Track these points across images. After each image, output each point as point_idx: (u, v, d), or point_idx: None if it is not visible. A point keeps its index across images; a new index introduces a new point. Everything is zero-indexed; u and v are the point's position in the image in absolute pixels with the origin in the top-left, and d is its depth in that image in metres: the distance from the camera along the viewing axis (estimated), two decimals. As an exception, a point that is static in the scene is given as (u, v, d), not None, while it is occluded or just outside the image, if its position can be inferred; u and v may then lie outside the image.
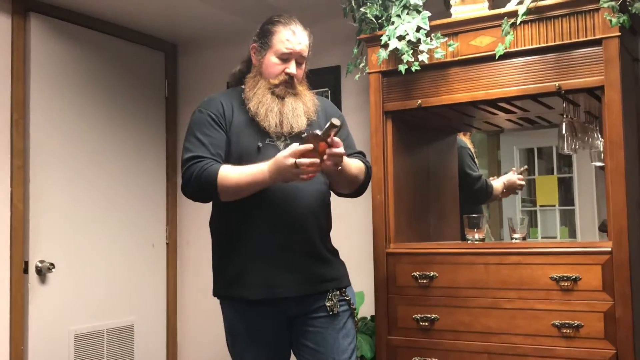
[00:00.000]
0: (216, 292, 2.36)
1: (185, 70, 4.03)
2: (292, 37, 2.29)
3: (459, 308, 2.56)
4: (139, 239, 3.72)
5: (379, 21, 2.73)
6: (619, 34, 2.31)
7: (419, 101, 2.68)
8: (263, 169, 2.12)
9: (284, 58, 2.29)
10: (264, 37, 2.33)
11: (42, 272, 3.19)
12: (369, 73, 2.78)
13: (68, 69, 3.40)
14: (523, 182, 3.27)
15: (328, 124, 2.00)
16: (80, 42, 3.46)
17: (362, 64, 2.83)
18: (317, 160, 2.03)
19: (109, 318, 3.51)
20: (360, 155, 2.42)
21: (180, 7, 3.42)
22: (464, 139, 3.36)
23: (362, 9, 2.74)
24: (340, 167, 2.16)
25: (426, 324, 2.61)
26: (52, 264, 3.20)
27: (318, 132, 2.03)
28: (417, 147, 2.99)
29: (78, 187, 3.40)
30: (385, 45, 2.63)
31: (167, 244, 3.89)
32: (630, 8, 2.29)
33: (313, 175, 2.08)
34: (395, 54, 2.63)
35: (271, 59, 2.30)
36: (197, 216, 3.80)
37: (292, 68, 2.29)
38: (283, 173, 2.07)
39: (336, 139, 2.06)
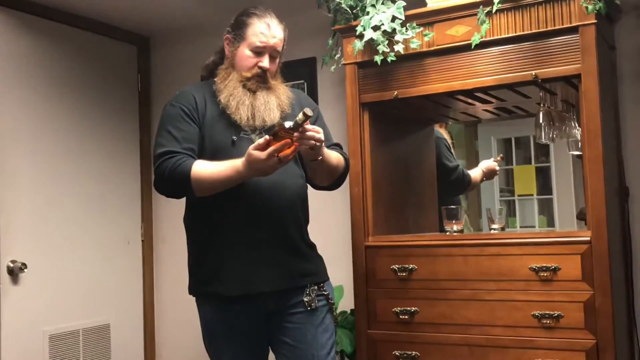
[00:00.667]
0: (192, 290, 2.31)
1: (158, 64, 3.96)
2: (267, 30, 2.24)
3: (438, 300, 2.54)
4: (113, 236, 3.66)
5: (354, 11, 2.69)
6: (595, 21, 2.29)
7: (396, 92, 2.65)
8: (237, 164, 2.07)
9: (258, 51, 2.24)
10: (238, 28, 2.28)
11: (14, 273, 3.12)
12: (345, 64, 2.75)
13: (37, 64, 3.32)
14: (498, 167, 3.27)
15: (300, 114, 1.95)
16: (49, 36, 3.38)
17: (338, 55, 2.79)
18: (288, 140, 1.98)
19: (85, 318, 3.44)
20: (338, 147, 2.39)
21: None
22: (441, 130, 3.34)
23: (336, -1, 2.70)
24: (320, 157, 2.13)
25: (406, 317, 2.59)
26: (24, 264, 3.13)
27: (289, 123, 1.98)
28: (394, 139, 2.96)
29: (50, 185, 3.33)
30: (361, 36, 2.60)
31: (142, 241, 3.83)
32: (606, -5, 2.28)
33: (290, 156, 2.01)
34: (371, 45, 2.59)
35: (244, 52, 2.25)
36: (173, 213, 3.74)
37: (265, 62, 2.25)
38: (257, 167, 2.03)
39: (314, 126, 2.04)
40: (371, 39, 2.56)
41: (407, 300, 2.60)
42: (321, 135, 2.06)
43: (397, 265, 2.61)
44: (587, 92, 2.31)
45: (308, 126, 2.01)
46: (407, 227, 2.99)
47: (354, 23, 2.66)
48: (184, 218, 2.35)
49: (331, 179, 2.33)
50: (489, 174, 3.26)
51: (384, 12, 2.56)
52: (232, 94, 2.23)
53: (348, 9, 2.68)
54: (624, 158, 2.73)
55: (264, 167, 2.01)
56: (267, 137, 1.99)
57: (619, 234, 2.59)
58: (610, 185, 2.43)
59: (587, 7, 2.25)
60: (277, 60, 2.31)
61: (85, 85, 3.56)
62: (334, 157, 2.27)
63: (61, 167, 3.40)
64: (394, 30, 2.54)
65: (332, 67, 2.83)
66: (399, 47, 2.54)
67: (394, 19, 2.55)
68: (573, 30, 2.34)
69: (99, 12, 3.53)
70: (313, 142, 2.05)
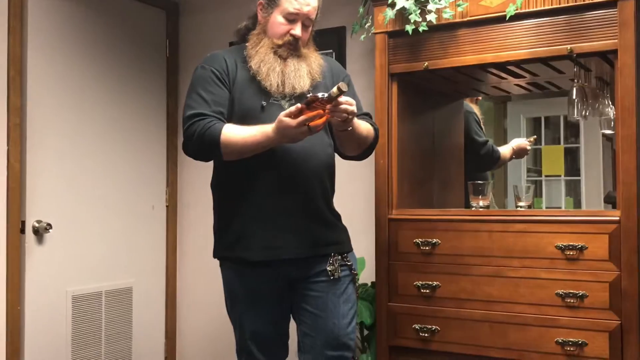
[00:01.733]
0: (216, 254, 2.32)
1: (186, 30, 3.94)
2: None
3: (461, 276, 2.52)
4: (138, 200, 3.67)
5: (386, -20, 2.64)
6: (635, -5, 2.23)
7: (426, 63, 2.60)
8: (267, 130, 2.06)
9: (291, 19, 2.22)
10: None
11: (39, 232, 3.15)
12: (375, 33, 2.70)
13: (66, 26, 3.32)
14: (529, 147, 3.22)
15: (335, 88, 1.93)
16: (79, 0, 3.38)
17: (368, 24, 2.75)
18: (320, 111, 1.97)
19: (107, 280, 3.47)
20: (367, 117, 2.37)
21: (182, -37, 3.33)
22: (471, 105, 3.29)
23: (369, -33, 2.66)
24: (350, 128, 2.11)
25: (427, 291, 2.57)
26: (49, 224, 3.16)
27: (322, 94, 1.96)
28: (422, 112, 2.93)
29: (77, 147, 3.34)
30: (392, 4, 2.55)
31: (166, 206, 3.85)
32: (648, -32, 2.21)
33: (320, 127, 2.01)
34: (403, 14, 2.55)
35: (277, 18, 2.23)
36: (198, 179, 3.75)
37: (297, 30, 2.22)
38: (286, 134, 2.02)
39: (348, 98, 2.01)
40: (403, 8, 2.51)
41: (429, 274, 2.58)
42: (354, 108, 2.05)
43: (420, 239, 2.59)
44: (624, 67, 2.25)
45: (342, 98, 1.99)
46: (432, 202, 2.96)
47: (386, -9, 2.62)
48: (211, 182, 2.35)
49: (360, 149, 2.31)
50: (519, 152, 3.21)
51: (417, -20, 2.51)
52: (263, 60, 2.21)
53: (380, -23, 2.63)
54: (657, 138, 2.67)
55: (294, 134, 2.01)
56: (299, 105, 1.98)
57: (648, 215, 2.54)
58: (643, 165, 2.38)
59: (627, -20, 2.19)
60: (310, 28, 2.28)
61: (113, 49, 3.55)
62: (363, 127, 2.25)
63: (87, 129, 3.41)
64: (426, -1, 2.49)
65: (362, 36, 2.79)
66: (431, 17, 2.49)
67: (427, -13, 2.50)
68: (611, 4, 2.28)
69: (129, -25, 3.51)
70: (346, 115, 2.03)
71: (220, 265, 2.33)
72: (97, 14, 3.47)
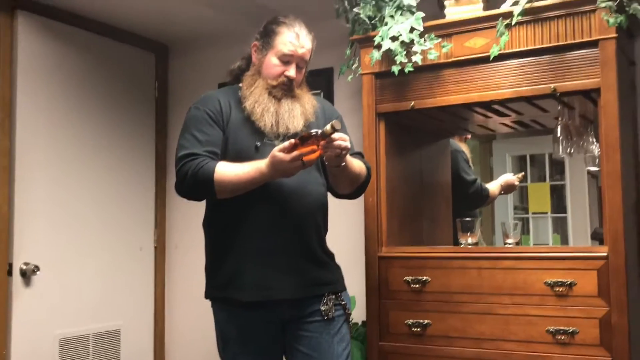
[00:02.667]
0: (208, 294, 2.30)
1: (175, 71, 3.98)
2: (296, 40, 2.25)
3: (451, 313, 2.51)
4: (126, 242, 3.66)
5: (372, 22, 2.69)
6: (615, 35, 2.28)
7: (412, 103, 2.64)
8: (260, 166, 2.07)
9: (285, 60, 2.25)
10: (267, 36, 2.28)
11: (27, 275, 3.12)
12: (362, 74, 2.74)
13: (56, 68, 3.34)
14: (518, 183, 3.25)
15: (328, 126, 1.96)
16: (69, 41, 3.40)
17: (355, 65, 2.79)
18: (314, 146, 2.00)
19: (95, 322, 3.44)
20: (359, 156, 2.39)
21: (171, 7, 3.37)
22: (459, 143, 3.33)
23: (355, 10, 2.71)
24: (343, 163, 2.13)
25: (418, 329, 2.56)
26: (36, 266, 3.13)
27: (316, 131, 2.00)
28: (410, 150, 2.95)
29: (65, 189, 3.34)
30: (379, 46, 2.60)
31: (155, 247, 3.83)
32: (627, 9, 2.26)
33: (314, 161, 2.04)
34: (389, 55, 2.59)
35: (272, 60, 2.26)
36: (186, 219, 3.74)
37: (291, 71, 2.25)
38: (280, 169, 2.03)
39: (341, 134, 2.04)
40: (389, 49, 2.55)
41: (420, 312, 2.57)
42: (348, 144, 2.07)
43: (410, 277, 2.59)
44: (607, 105, 2.29)
45: (335, 134, 2.01)
46: (421, 239, 2.97)
47: (372, 33, 2.67)
48: (203, 221, 2.35)
49: (353, 187, 2.33)
50: (507, 188, 3.24)
51: (402, 23, 2.56)
52: (258, 100, 2.23)
53: (367, 20, 2.68)
54: (641, 174, 2.71)
55: (287, 169, 2.03)
56: (292, 140, 2.00)
57: (635, 250, 2.56)
58: (628, 201, 2.41)
59: (608, 20, 2.24)
60: (304, 70, 2.32)
61: (102, 91, 3.57)
62: (356, 164, 2.27)
63: (76, 171, 3.41)
64: (412, 41, 2.54)
65: (349, 77, 2.83)
66: (417, 58, 2.54)
67: (412, 29, 2.54)
68: (593, 44, 2.32)
69: (119, 19, 3.55)
70: (339, 150, 2.05)
71: (212, 306, 2.31)
72: (87, 56, 3.50)
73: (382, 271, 2.66)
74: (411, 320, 2.58)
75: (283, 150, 2.00)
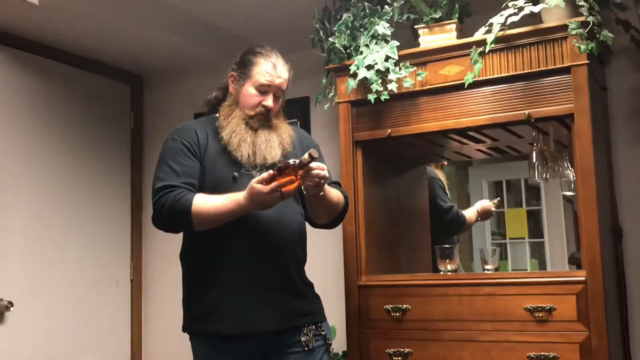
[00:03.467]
0: (187, 328, 2.26)
1: (150, 102, 3.97)
2: (273, 70, 2.25)
3: (433, 341, 2.50)
4: (102, 275, 3.60)
5: (348, 51, 2.71)
6: (587, 61, 2.31)
7: (389, 130, 2.65)
8: (239, 198, 2.06)
9: (262, 90, 2.25)
10: (244, 66, 2.28)
11: (0, 311, 3.05)
12: (338, 103, 2.76)
13: (29, 101, 3.31)
14: (494, 209, 3.27)
15: (306, 155, 1.96)
16: (43, 74, 3.38)
17: (331, 94, 2.81)
18: (292, 177, 2.00)
19: (72, 358, 3.36)
20: (337, 185, 2.39)
21: (145, 38, 3.37)
22: (436, 171, 3.34)
23: (330, 39, 2.72)
24: (322, 193, 2.12)
25: (399, 358, 2.54)
26: (10, 302, 3.06)
27: (293, 161, 1.99)
28: (387, 178, 2.96)
29: (37, 223, 3.29)
30: (354, 75, 2.61)
31: (131, 280, 3.78)
32: (598, 36, 2.30)
33: (292, 192, 2.04)
34: (364, 84, 2.60)
35: (249, 90, 2.26)
36: (163, 252, 3.70)
37: (269, 101, 2.25)
38: (258, 201, 2.02)
39: (319, 163, 2.04)
40: (365, 78, 2.57)
41: (401, 341, 2.55)
42: (326, 173, 2.06)
43: (390, 305, 2.58)
44: (580, 131, 2.32)
45: (313, 164, 2.01)
46: (400, 267, 2.96)
47: (347, 62, 2.68)
48: (180, 253, 2.32)
49: (330, 217, 2.32)
50: (484, 215, 3.26)
51: (377, 51, 2.58)
52: (235, 131, 2.22)
53: (342, 49, 2.70)
54: (617, 197, 2.73)
55: (266, 200, 2.02)
56: (271, 171, 2.00)
57: (613, 274, 2.58)
58: (604, 225, 2.42)
59: (579, 47, 2.27)
60: (281, 99, 2.32)
61: (77, 123, 3.54)
62: (334, 194, 2.26)
63: (50, 204, 3.36)
64: (387, 69, 2.56)
65: (326, 106, 2.84)
66: (392, 86, 2.55)
67: (387, 58, 2.56)
68: (565, 70, 2.35)
69: (93, 50, 3.54)
70: (317, 179, 2.05)
71: (191, 340, 2.27)
72: (61, 88, 3.47)
73: (362, 300, 2.64)
74: (392, 349, 2.56)
75: (261, 182, 1.99)
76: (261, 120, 2.25)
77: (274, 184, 1.99)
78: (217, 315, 2.15)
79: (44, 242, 3.31)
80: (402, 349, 2.54)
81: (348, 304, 2.67)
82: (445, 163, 3.38)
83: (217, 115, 2.32)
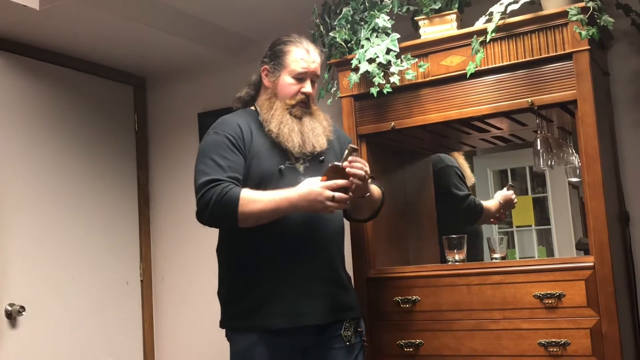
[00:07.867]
0: (228, 324, 2.23)
1: (154, 103, 3.97)
2: (306, 55, 2.27)
3: (443, 331, 2.50)
4: (112, 277, 3.62)
5: (349, 45, 2.71)
6: (588, 47, 2.31)
7: (393, 123, 2.65)
8: (290, 196, 2.06)
9: (299, 77, 2.27)
10: (277, 57, 2.29)
11: (12, 316, 3.08)
12: (341, 97, 2.76)
13: (33, 106, 3.33)
14: (514, 196, 3.23)
15: (346, 151, 2.03)
16: (46, 79, 3.39)
17: (334, 89, 2.81)
18: (350, 195, 2.05)
19: (84, 361, 3.39)
20: (372, 179, 2.39)
21: (147, 40, 3.37)
22: (456, 156, 3.29)
23: (331, 34, 2.73)
24: (368, 193, 2.18)
25: (411, 349, 2.55)
26: (22, 307, 3.09)
27: (338, 163, 2.06)
28: (393, 170, 2.96)
29: (47, 227, 3.31)
30: (356, 69, 2.61)
31: (141, 281, 3.79)
32: (598, 21, 2.30)
33: (344, 205, 2.10)
34: (366, 77, 2.60)
35: (286, 79, 2.27)
36: (172, 251, 3.71)
37: (307, 87, 2.27)
38: (314, 205, 2.04)
39: (358, 158, 2.09)
40: (366, 72, 2.57)
41: (412, 332, 2.56)
42: (367, 167, 2.11)
43: (400, 297, 2.59)
44: (584, 116, 2.32)
45: (356, 162, 2.07)
46: (408, 259, 2.96)
47: (348, 56, 2.68)
48: (218, 247, 2.31)
49: (372, 211, 2.35)
50: (506, 205, 3.19)
51: (378, 45, 2.58)
52: (282, 121, 2.23)
53: (343, 43, 2.70)
54: (622, 183, 2.73)
55: (320, 207, 2.06)
56: (338, 181, 2.05)
57: (621, 259, 2.57)
58: (611, 210, 2.42)
59: (580, 33, 2.27)
60: (316, 84, 2.34)
61: (81, 126, 3.56)
62: (375, 190, 2.30)
63: (58, 207, 3.38)
64: (389, 62, 2.56)
65: (329, 101, 2.84)
66: (395, 79, 2.55)
67: (388, 51, 2.56)
68: (567, 57, 2.35)
69: (94, 54, 3.55)
70: (362, 172, 2.08)
71: (230, 337, 2.24)
72: (64, 92, 3.48)
73: (372, 293, 2.65)
74: (404, 341, 2.57)
75: (326, 188, 2.04)
76: (303, 107, 2.26)
77: (331, 183, 2.03)
78: (266, 310, 2.14)
79: (53, 246, 3.32)
80: (414, 340, 2.55)
81: (358, 296, 2.65)
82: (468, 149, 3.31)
83: (252, 109, 2.32)
